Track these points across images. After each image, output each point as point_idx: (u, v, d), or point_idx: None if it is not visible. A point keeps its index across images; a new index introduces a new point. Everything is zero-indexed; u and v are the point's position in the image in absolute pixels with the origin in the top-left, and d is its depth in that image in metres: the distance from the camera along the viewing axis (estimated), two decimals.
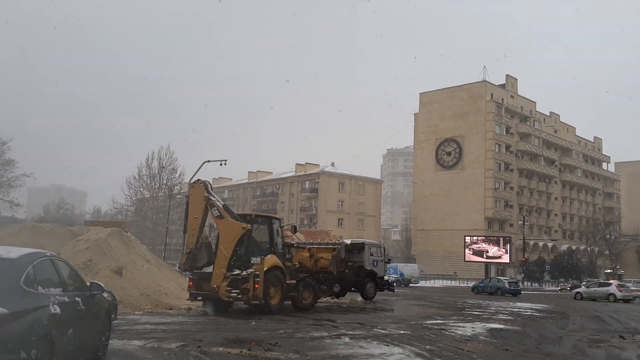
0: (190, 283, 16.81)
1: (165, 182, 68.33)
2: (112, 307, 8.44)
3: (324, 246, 21.43)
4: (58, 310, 5.56)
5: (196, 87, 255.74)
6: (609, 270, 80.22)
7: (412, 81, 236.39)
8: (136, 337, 10.23)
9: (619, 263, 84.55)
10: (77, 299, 6.36)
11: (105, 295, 7.90)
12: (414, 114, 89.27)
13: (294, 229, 21.39)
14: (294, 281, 18.18)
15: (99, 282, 7.20)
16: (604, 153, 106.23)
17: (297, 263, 19.00)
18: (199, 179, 18.21)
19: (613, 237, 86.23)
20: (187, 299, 17.05)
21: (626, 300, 36.17)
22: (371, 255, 26.75)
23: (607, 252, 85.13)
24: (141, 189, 70.30)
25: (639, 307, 31.40)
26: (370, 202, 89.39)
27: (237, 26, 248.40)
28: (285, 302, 17.95)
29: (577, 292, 39.56)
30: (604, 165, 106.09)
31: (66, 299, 6.02)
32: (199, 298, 16.71)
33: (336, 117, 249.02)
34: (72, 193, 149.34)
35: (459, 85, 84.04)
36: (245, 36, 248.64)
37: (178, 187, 68.35)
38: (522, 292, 42.84)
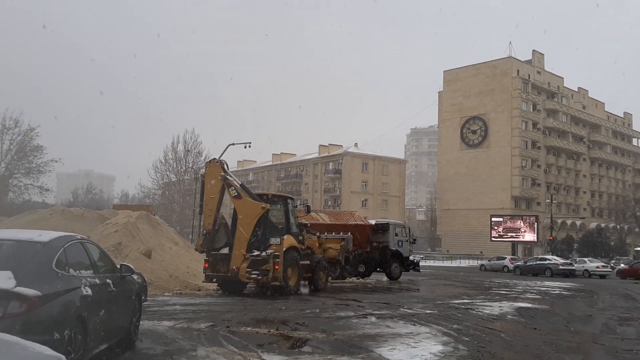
0: (206, 265, 16.49)
1: (190, 165, 68.94)
2: (142, 289, 8.58)
3: (332, 237, 21.05)
4: (90, 292, 5.66)
5: (224, 72, 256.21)
6: (639, 248, 78.84)
7: (436, 59, 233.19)
8: (166, 318, 10.40)
9: None
10: (107, 280, 6.46)
11: (135, 277, 8.03)
12: (438, 92, 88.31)
13: (308, 209, 21.16)
14: (308, 262, 17.87)
15: (129, 264, 7.28)
16: (634, 129, 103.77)
17: (308, 247, 18.56)
18: (214, 158, 17.99)
19: None
20: (203, 281, 16.84)
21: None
22: (396, 235, 26.74)
23: (637, 229, 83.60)
24: (167, 173, 71.03)
25: None
26: (394, 182, 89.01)
27: (259, 10, 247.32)
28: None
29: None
30: (634, 141, 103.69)
31: (97, 280, 6.13)
32: (214, 280, 16.59)
33: (360, 97, 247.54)
34: (100, 178, 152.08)
35: (484, 62, 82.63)
36: (268, 20, 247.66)
37: (204, 169, 68.76)
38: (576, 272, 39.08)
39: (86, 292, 5.59)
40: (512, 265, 44.43)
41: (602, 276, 38.82)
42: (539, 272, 39.18)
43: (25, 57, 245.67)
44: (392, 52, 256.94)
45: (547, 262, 40.69)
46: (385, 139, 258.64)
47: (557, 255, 65.09)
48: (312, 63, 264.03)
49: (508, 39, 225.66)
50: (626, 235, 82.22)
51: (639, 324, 12.14)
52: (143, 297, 9.26)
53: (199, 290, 16.92)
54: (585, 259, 44.55)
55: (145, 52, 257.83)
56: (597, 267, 40.53)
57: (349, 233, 21.87)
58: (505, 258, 49.94)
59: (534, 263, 41.58)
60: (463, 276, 35.31)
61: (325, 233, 22.02)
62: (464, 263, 63.73)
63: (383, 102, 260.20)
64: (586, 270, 39.95)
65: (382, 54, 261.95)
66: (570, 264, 40.38)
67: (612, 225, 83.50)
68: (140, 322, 8.13)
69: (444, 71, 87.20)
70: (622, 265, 46.68)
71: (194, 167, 67.22)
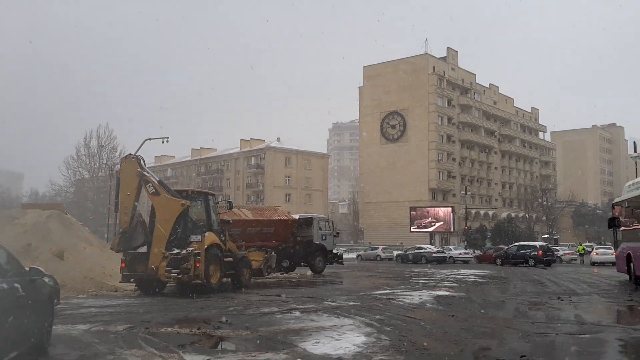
0: (123, 264, 15.90)
1: (105, 161, 66.42)
2: (54, 292, 8.18)
3: (255, 252, 20.90)
4: None
5: (136, 64, 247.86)
6: (546, 236, 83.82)
7: (357, 55, 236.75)
8: (81, 321, 9.94)
9: (555, 228, 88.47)
10: (16, 285, 6.10)
11: (46, 279, 7.64)
12: (359, 88, 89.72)
13: (230, 205, 20.88)
14: (231, 259, 17.61)
15: (39, 267, 6.91)
16: (540, 123, 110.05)
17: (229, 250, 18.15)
18: (130, 154, 17.47)
19: (549, 203, 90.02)
20: (120, 282, 16.26)
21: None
22: (320, 229, 26.97)
23: (544, 218, 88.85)
24: (80, 170, 68.10)
25: (571, 269, 32.96)
26: (317, 176, 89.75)
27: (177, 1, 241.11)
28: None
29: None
30: (541, 134, 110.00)
31: (4, 285, 5.78)
32: (132, 280, 16.09)
33: (282, 92, 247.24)
34: (6, 175, 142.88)
35: (402, 59, 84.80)
36: (185, 10, 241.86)
37: (119, 166, 66.47)
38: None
39: None
40: (383, 254, 51.55)
41: (465, 262, 43.70)
42: (416, 260, 43.08)
43: None
44: (314, 47, 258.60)
45: (423, 250, 45.15)
46: (308, 134, 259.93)
47: (471, 245, 68.19)
48: (234, 57, 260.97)
49: (425, 36, 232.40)
50: (534, 224, 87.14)
51: (547, 307, 12.85)
52: (55, 301, 8.83)
53: (115, 291, 16.37)
54: (451, 247, 51.27)
55: (53, 40, 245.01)
56: (460, 254, 46.00)
57: (273, 253, 21.64)
58: (378, 248, 55.20)
59: (412, 252, 45.42)
60: (384, 267, 36.16)
61: (248, 228, 21.91)
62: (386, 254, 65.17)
63: (306, 96, 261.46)
64: (451, 257, 44.80)
65: (304, 48, 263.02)
66: (443, 252, 45.49)
67: (521, 214, 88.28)
68: (53, 327, 7.73)
69: (364, 67, 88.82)
70: (478, 251, 52.29)
71: (108, 163, 64.86)
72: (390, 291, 17.01)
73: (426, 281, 22.13)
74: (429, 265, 37.74)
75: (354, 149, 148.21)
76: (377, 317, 10.66)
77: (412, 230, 71.20)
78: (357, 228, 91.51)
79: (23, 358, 6.34)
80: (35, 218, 19.27)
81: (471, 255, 46.79)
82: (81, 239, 20.78)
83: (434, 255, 43.23)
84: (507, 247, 42.95)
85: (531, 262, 36.04)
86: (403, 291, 17.02)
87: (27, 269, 6.74)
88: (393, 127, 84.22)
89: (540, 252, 36.66)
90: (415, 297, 15.06)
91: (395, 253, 50.14)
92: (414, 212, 70.70)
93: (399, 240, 72.98)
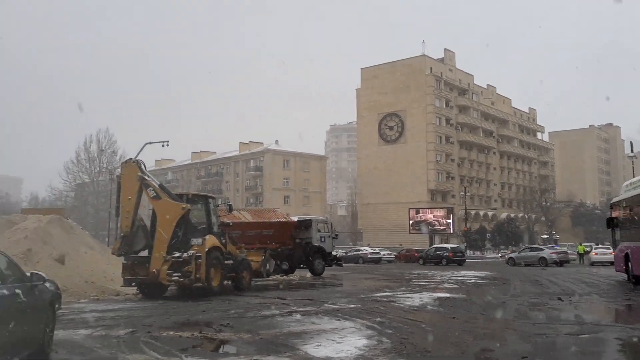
0: (124, 269, 15.99)
1: (105, 165, 66.48)
2: (55, 297, 8.14)
3: (254, 250, 20.97)
4: None
5: (130, 68, 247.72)
6: (545, 236, 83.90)
7: (355, 56, 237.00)
8: (83, 326, 9.95)
9: (554, 229, 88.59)
10: (17, 291, 6.09)
11: (48, 285, 7.61)
12: (356, 90, 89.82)
13: (230, 208, 20.92)
14: (231, 262, 17.63)
15: (40, 272, 6.94)
16: (538, 123, 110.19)
17: (229, 252, 18.13)
18: (130, 158, 17.50)
19: (548, 203, 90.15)
20: (121, 286, 16.32)
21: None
22: (318, 231, 26.98)
23: (543, 218, 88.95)
24: (80, 174, 68.22)
25: (571, 270, 32.99)
26: (315, 178, 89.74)
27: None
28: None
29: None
30: (539, 135, 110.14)
31: (5, 291, 5.78)
32: (133, 284, 16.12)
33: (279, 94, 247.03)
34: (6, 180, 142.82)
35: (399, 60, 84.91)
36: (175, 12, 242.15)
37: (119, 170, 66.52)
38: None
39: None
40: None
41: (390, 261, 49.82)
42: (354, 260, 47.20)
43: None
44: (311, 49, 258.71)
45: (360, 252, 51.52)
46: (306, 136, 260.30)
47: (470, 246, 68.35)
48: (231, 60, 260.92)
49: (422, 37, 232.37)
50: (534, 224, 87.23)
51: (547, 308, 12.88)
52: (57, 306, 8.79)
53: (117, 296, 16.33)
54: (377, 249, 54.70)
55: (51, 43, 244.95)
56: (385, 254, 51.68)
57: (269, 254, 21.63)
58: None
59: (351, 254, 50.08)
60: (384, 269, 36.17)
61: (247, 231, 21.92)
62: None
63: (303, 99, 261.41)
64: (380, 257, 49.82)
65: (302, 51, 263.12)
66: (378, 253, 50.58)
67: (520, 215, 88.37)
68: (55, 332, 7.73)
69: (362, 69, 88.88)
70: (401, 251, 54.86)
71: (108, 167, 64.99)
72: (390, 293, 17.01)
73: (426, 283, 22.14)
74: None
75: (352, 150, 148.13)
76: (378, 319, 10.68)
77: (411, 231, 71.27)
78: (356, 230, 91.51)
79: None
80: (36, 223, 19.24)
81: (393, 255, 52.37)
82: (82, 244, 20.77)
83: (369, 256, 49.11)
84: (426, 249, 49.50)
85: (444, 261, 41.97)
86: (403, 293, 17.03)
87: (28, 274, 6.73)
88: (391, 128, 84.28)
89: (451, 253, 42.91)
90: (416, 299, 15.07)
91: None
92: (413, 214, 70.76)
93: (399, 241, 73.06)
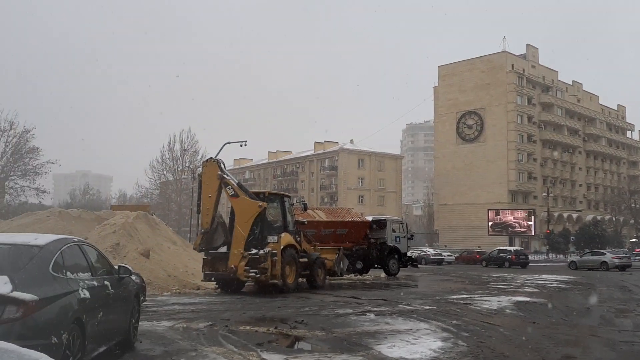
0: (205, 264, 16.63)
1: (187, 164, 68.95)
2: (140, 290, 8.57)
3: (329, 247, 21.08)
4: (87, 294, 5.64)
5: (216, 71, 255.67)
6: (634, 240, 79.09)
7: (431, 54, 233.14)
8: (165, 318, 10.39)
9: None
10: (105, 282, 6.45)
11: (134, 277, 8.01)
12: (434, 87, 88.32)
13: (305, 207, 21.14)
14: (305, 259, 17.92)
15: (127, 265, 7.28)
16: (627, 121, 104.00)
17: (304, 250, 18.45)
18: (211, 157, 18.02)
19: (638, 205, 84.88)
20: (202, 280, 16.91)
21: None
22: (393, 231, 26.76)
23: (632, 221, 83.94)
24: (164, 172, 71.13)
25: None
26: (390, 178, 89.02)
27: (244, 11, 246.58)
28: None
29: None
30: (628, 133, 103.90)
31: (95, 283, 6.11)
32: (213, 279, 16.66)
33: (354, 93, 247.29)
34: (97, 178, 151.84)
35: (479, 57, 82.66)
36: (256, 21, 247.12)
37: (200, 169, 68.80)
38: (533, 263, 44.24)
39: (84, 295, 5.56)
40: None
41: (449, 262, 49.87)
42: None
43: (21, 58, 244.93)
44: (386, 48, 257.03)
45: (422, 253, 49.78)
46: (381, 135, 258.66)
47: (553, 249, 65.63)
48: (309, 59, 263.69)
49: (502, 33, 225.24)
50: (622, 227, 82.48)
51: (635, 315, 12.18)
52: (142, 298, 9.24)
53: (197, 290, 16.93)
54: (439, 250, 55.94)
55: (141, 52, 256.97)
56: (447, 255, 51.55)
57: (340, 249, 21.68)
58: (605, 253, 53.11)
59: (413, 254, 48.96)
60: (461, 271, 35.40)
61: (322, 229, 22.09)
62: None
63: (379, 97, 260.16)
64: (443, 259, 49.94)
65: (377, 49, 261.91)
66: (440, 254, 51.12)
67: (607, 217, 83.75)
68: (140, 323, 8.12)
69: (439, 66, 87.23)
70: (462, 253, 54.51)
71: (190, 166, 67.30)
72: (467, 296, 16.64)
73: (505, 286, 21.48)
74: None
75: (429, 149, 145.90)
76: (454, 322, 10.48)
77: (490, 233, 69.39)
78: (432, 230, 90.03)
79: (112, 352, 6.73)
80: (124, 219, 20.28)
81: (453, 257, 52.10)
82: (166, 239, 21.72)
83: (431, 257, 49.36)
84: (489, 251, 48.70)
85: (507, 263, 41.99)
86: (481, 296, 16.61)
87: (116, 267, 7.10)
88: (470, 127, 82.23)
89: (514, 256, 42.86)
90: (494, 302, 14.66)
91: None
92: (492, 215, 68.84)
93: (477, 243, 71.26)
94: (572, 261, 41.44)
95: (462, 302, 14.63)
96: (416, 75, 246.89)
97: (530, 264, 44.01)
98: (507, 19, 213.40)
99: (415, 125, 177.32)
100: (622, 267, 37.38)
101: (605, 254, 40.97)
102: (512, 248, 48.69)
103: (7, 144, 50.72)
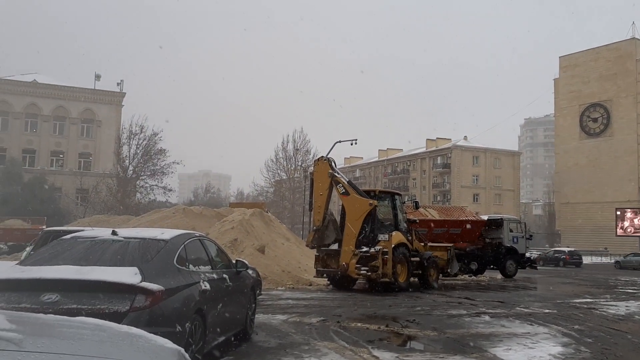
0: (317, 260, 16.95)
1: (300, 163, 70.59)
2: (256, 283, 8.92)
3: (438, 245, 20.52)
4: (208, 286, 5.95)
5: (332, 73, 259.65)
6: None
7: (547, 46, 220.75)
8: (279, 312, 10.75)
9: None
10: (224, 275, 6.77)
11: (250, 272, 8.36)
12: (554, 80, 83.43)
13: (416, 205, 20.78)
14: (417, 259, 17.68)
15: (244, 260, 7.58)
16: None
17: (416, 250, 18.16)
18: (322, 156, 18.28)
19: None
20: (314, 276, 17.27)
21: None
22: (510, 231, 25.71)
23: None
24: (279, 171, 73.25)
25: None
26: (507, 175, 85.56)
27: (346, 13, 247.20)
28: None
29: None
30: None
31: (215, 275, 6.44)
32: (325, 275, 16.92)
33: (467, 88, 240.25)
34: (217, 177, 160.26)
35: (605, 45, 76.92)
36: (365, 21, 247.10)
37: (312, 167, 70.17)
38: None
39: (205, 286, 5.86)
40: None
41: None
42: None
43: (143, 69, 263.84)
44: (500, 41, 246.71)
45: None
46: (496, 131, 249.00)
47: None
48: (415, 55, 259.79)
49: (629, 20, 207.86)
50: None
51: None
52: (258, 292, 9.64)
53: (310, 285, 17.31)
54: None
55: (252, 59, 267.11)
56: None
57: (452, 248, 21.06)
58: None
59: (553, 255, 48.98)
60: (585, 274, 33.23)
61: (434, 228, 21.68)
62: (586, 260, 59.89)
63: (493, 92, 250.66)
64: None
65: (490, 42, 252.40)
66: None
67: None
68: (256, 316, 8.47)
69: (560, 57, 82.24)
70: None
71: (303, 165, 68.77)
72: (591, 300, 15.62)
73: (635, 290, 19.89)
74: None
75: (549, 145, 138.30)
76: (576, 327, 9.90)
77: (618, 234, 64.45)
78: (553, 231, 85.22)
79: (230, 343, 7.08)
80: (241, 216, 21.25)
81: None
82: (280, 235, 22.47)
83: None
84: (546, 251, 51.37)
85: (561, 263, 44.94)
86: (607, 301, 15.53)
87: (233, 261, 7.45)
88: (594, 120, 76.80)
89: (568, 256, 45.74)
90: (622, 307, 13.65)
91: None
92: (620, 214, 63.90)
93: (603, 245, 66.55)
94: (617, 261, 45.30)
95: (585, 306, 13.74)
96: (534, 68, 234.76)
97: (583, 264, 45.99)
98: (636, 3, 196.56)
99: (534, 119, 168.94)
100: None
101: None
102: (566, 249, 50.63)
103: (138, 146, 54.78)
